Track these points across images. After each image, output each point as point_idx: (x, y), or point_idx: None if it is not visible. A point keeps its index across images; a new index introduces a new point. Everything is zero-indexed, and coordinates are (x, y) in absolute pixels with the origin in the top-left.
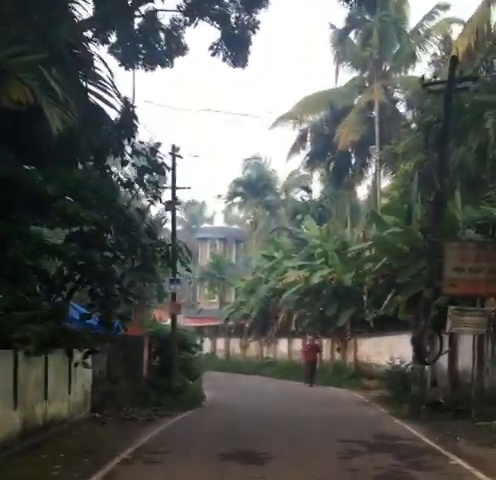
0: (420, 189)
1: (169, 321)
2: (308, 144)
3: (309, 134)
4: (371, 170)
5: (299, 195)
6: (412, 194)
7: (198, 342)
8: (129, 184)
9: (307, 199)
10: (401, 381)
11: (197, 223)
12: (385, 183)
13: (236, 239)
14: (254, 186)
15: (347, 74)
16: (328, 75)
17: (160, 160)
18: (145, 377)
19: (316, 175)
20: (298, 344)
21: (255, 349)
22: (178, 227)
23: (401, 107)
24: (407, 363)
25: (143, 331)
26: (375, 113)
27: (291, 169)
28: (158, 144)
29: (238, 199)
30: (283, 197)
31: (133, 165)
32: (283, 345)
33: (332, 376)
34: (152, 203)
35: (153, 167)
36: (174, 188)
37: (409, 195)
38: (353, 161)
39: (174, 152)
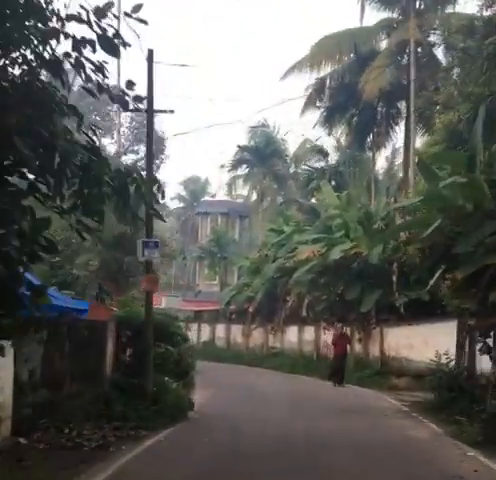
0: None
1: (163, 304)
2: (327, 97)
3: (328, 83)
4: (399, 129)
5: (312, 163)
6: (474, 136)
7: (182, 328)
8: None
9: (323, 164)
10: (450, 384)
11: (199, 201)
12: (417, 142)
13: (240, 214)
14: (261, 153)
15: (374, 15)
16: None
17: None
18: (108, 378)
19: (332, 141)
20: (310, 332)
21: (260, 337)
22: (179, 204)
23: (438, 52)
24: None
25: (109, 314)
26: (409, 57)
27: (304, 138)
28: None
29: (244, 170)
30: (293, 169)
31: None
32: (292, 334)
33: (353, 372)
34: (94, 95)
35: (100, 40)
36: (151, 94)
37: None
38: (379, 116)
39: (151, 57)
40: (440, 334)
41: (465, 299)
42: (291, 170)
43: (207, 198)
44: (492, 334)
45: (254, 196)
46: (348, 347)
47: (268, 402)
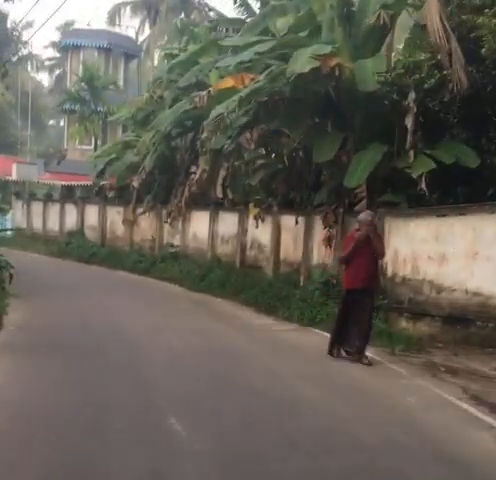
0: None
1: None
2: None
3: None
4: None
5: None
6: None
7: None
8: None
9: None
10: None
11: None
12: None
13: (126, 52)
14: None
15: None
16: None
17: None
18: None
19: None
20: (230, 223)
21: (149, 229)
22: (55, 55)
23: None
24: None
25: None
26: None
27: None
28: None
29: None
30: None
31: None
32: (200, 224)
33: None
34: None
35: None
36: None
37: None
38: None
39: None
40: None
41: None
42: None
43: (79, 26)
44: None
45: (147, 28)
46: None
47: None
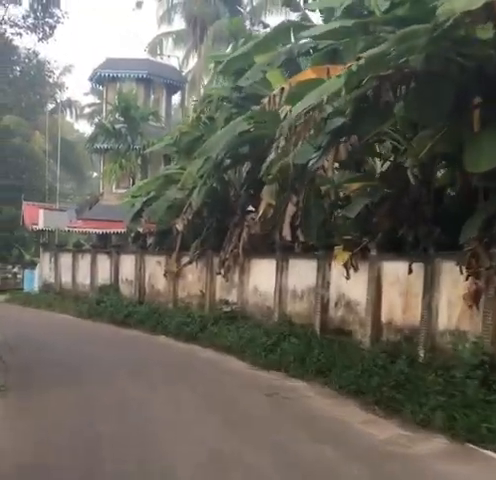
0: None
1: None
2: None
3: None
4: None
5: None
6: None
7: None
8: None
9: None
10: None
11: None
12: None
13: (168, 83)
14: None
15: None
16: None
17: None
18: None
19: None
20: (307, 272)
21: (198, 281)
22: (96, 100)
23: None
24: None
25: None
26: None
27: None
28: None
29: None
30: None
31: None
32: (264, 275)
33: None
34: None
35: None
36: None
37: None
38: None
39: None
40: None
41: None
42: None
43: (111, 57)
44: None
45: (194, 59)
46: None
47: None
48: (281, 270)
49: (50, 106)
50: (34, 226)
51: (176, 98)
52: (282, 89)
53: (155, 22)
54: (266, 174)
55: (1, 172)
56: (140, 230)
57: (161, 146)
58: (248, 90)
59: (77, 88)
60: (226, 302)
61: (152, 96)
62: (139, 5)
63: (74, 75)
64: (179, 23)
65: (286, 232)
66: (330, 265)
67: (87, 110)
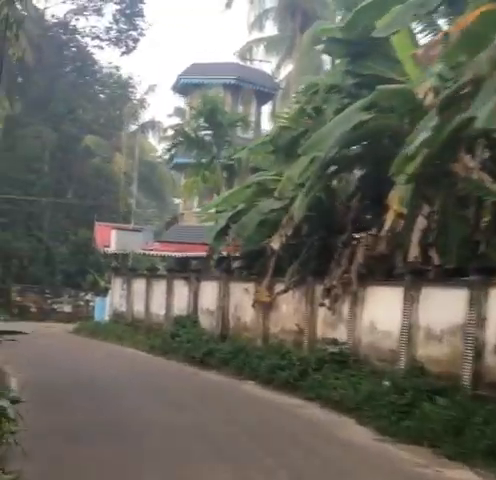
0: None
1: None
2: None
3: None
4: None
5: None
6: None
7: None
8: None
9: None
10: None
11: None
12: None
13: (259, 90)
14: None
15: None
16: None
17: None
18: None
19: None
20: (445, 309)
21: (295, 314)
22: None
23: None
24: None
25: None
26: None
27: None
28: None
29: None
30: None
31: None
32: (384, 306)
33: None
34: None
35: None
36: None
37: None
38: None
39: None
40: None
41: None
42: None
43: (196, 62)
44: None
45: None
46: None
47: None
48: (410, 301)
49: (132, 127)
50: (106, 248)
51: (266, 109)
52: (445, 33)
53: (245, 28)
54: (398, 172)
55: (79, 193)
56: (224, 253)
57: (255, 145)
58: (366, 70)
59: (160, 108)
60: (333, 342)
61: (240, 106)
62: (229, 5)
63: (157, 94)
64: (271, 29)
65: (415, 252)
66: (487, 296)
67: (171, 132)
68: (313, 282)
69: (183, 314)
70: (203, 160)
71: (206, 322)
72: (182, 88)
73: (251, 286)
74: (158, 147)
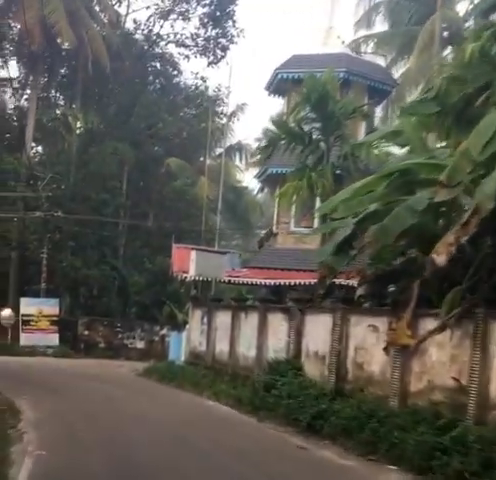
0: None
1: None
2: None
3: None
4: None
5: None
6: None
7: None
8: None
9: None
10: None
11: None
12: None
13: (372, 86)
14: None
15: None
16: None
17: None
18: None
19: None
20: None
21: (451, 363)
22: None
23: None
24: None
25: None
26: None
27: None
28: None
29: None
30: None
31: None
32: None
33: None
34: None
35: None
36: None
37: None
38: None
39: None
40: None
41: None
42: None
43: (296, 53)
44: None
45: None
46: None
47: None
48: None
49: (217, 150)
50: (184, 274)
51: (378, 111)
52: None
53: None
54: None
55: (159, 218)
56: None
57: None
58: None
59: (248, 131)
60: None
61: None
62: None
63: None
64: (382, 26)
65: None
66: None
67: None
68: (485, 316)
69: (281, 358)
70: (308, 160)
71: (314, 370)
72: (279, 85)
73: (381, 322)
74: (244, 174)
